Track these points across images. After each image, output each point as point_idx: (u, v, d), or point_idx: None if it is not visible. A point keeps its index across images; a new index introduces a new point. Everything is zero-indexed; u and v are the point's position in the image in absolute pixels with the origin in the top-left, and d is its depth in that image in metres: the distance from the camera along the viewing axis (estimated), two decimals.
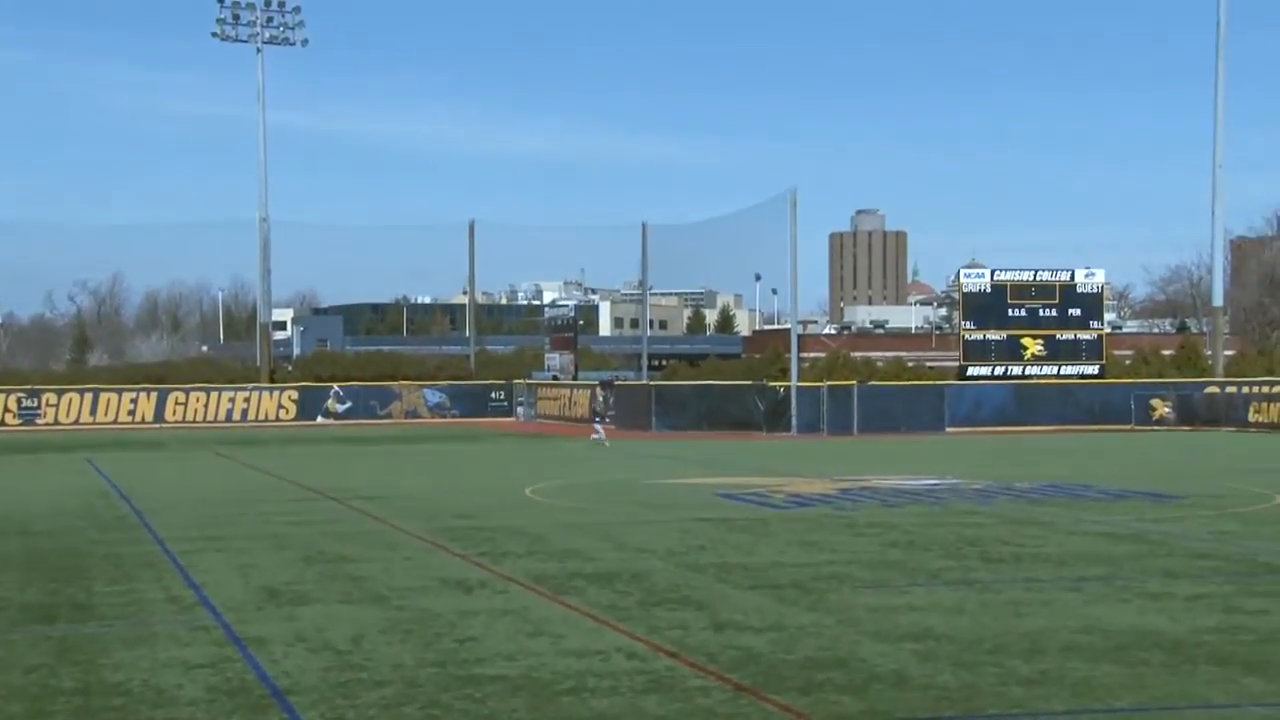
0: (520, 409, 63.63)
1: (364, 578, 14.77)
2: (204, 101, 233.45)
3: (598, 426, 44.33)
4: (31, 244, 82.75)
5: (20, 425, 57.95)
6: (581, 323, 78.31)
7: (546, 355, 66.71)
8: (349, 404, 62.07)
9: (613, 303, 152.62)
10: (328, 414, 61.62)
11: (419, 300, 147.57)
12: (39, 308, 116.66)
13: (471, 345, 74.25)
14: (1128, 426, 52.61)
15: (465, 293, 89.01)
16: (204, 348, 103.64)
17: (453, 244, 72.45)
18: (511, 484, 27.26)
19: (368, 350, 78.88)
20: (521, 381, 65.08)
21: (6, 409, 58.66)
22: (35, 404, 58.99)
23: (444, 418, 62.75)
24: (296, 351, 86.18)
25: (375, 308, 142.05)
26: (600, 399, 45.50)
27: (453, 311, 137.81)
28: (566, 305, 79.58)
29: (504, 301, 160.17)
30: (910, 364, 64.65)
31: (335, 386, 62.76)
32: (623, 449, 41.34)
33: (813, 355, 68.63)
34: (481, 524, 19.99)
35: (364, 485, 27.13)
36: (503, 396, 64.57)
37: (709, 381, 58.21)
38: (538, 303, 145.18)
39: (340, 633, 11.59)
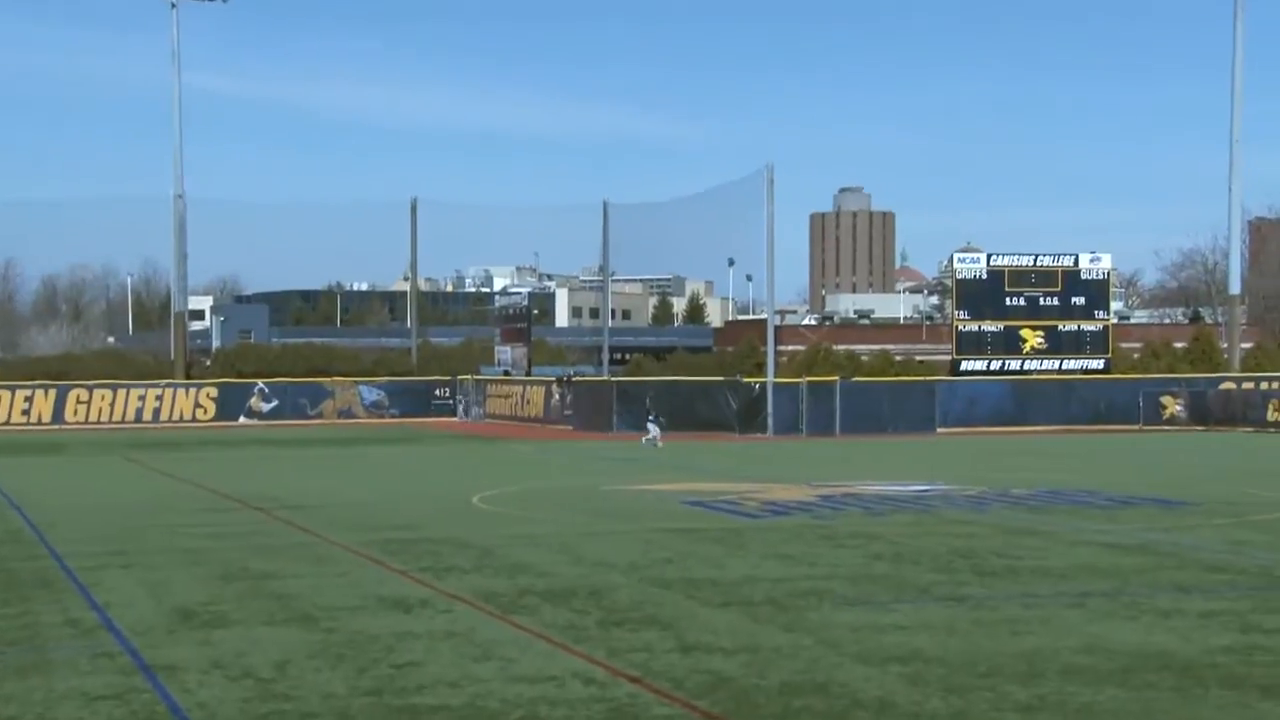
0: (470, 409, 63.44)
1: (290, 596, 14.68)
2: (110, 61, 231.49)
3: (651, 427, 44.28)
4: None
5: None
6: (536, 312, 78.16)
7: (497, 348, 66.58)
8: (275, 403, 61.76)
9: (570, 290, 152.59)
10: (251, 414, 61.34)
11: (354, 287, 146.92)
12: None
13: (413, 337, 73.98)
14: (1136, 426, 53.12)
15: (406, 279, 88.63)
16: (110, 339, 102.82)
17: (393, 225, 72.19)
18: (457, 491, 27.18)
19: (296, 343, 78.37)
20: (469, 377, 64.91)
21: None
22: None
23: (382, 418, 62.53)
24: (216, 344, 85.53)
25: (305, 295, 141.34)
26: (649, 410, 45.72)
27: (392, 300, 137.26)
28: (519, 293, 79.43)
29: (449, 289, 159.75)
30: (898, 358, 65.01)
31: (259, 383, 62.44)
32: (581, 451, 41.30)
33: (791, 348, 68.87)
34: (423, 536, 19.92)
35: (291, 493, 26.99)
36: (448, 394, 64.39)
37: (676, 377, 58.28)
38: (487, 290, 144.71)
39: (263, 658, 11.51)
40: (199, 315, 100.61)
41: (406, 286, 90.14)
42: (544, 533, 20.22)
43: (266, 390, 62.01)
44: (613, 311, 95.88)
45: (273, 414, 61.24)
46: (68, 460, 39.22)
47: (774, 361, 53.75)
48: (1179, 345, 65.61)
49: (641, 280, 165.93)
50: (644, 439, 43.90)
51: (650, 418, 45.19)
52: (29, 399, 59.71)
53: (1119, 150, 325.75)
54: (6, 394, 59.52)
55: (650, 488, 27.98)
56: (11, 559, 17.84)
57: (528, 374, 61.73)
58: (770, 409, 50.96)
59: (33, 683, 10.79)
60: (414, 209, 70.99)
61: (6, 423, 58.59)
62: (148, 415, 60.62)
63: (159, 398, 61.17)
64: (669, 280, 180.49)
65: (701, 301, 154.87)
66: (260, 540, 19.67)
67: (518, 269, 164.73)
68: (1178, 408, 54.04)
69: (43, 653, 11.93)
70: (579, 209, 79.10)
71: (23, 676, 11.03)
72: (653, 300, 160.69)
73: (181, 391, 61.76)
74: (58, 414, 59.39)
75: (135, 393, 61.04)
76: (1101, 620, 12.94)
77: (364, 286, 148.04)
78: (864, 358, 64.25)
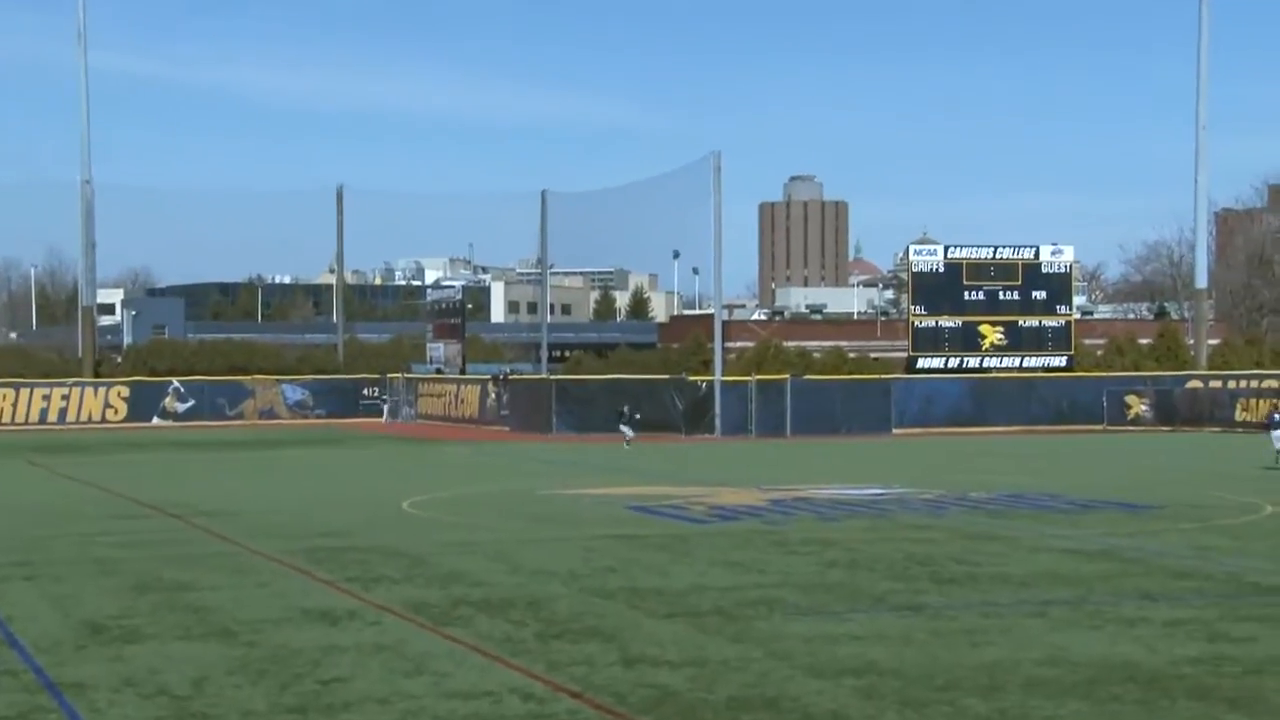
0: (401, 409, 63.12)
1: (209, 609, 14.56)
2: (12, 40, 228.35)
3: (625, 429, 44.24)
4: None
5: None
6: (470, 307, 77.97)
7: (429, 345, 66.34)
8: (191, 402, 61.29)
9: (507, 284, 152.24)
10: (165, 414, 60.84)
11: (277, 280, 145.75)
12: None
13: (340, 333, 73.56)
14: (1100, 427, 53.80)
15: (332, 271, 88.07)
16: (13, 335, 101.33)
17: (318, 214, 71.73)
18: (387, 496, 27.06)
19: (214, 339, 77.68)
20: (399, 376, 64.62)
21: None
22: None
23: (306, 418, 62.16)
24: (127, 340, 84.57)
25: (224, 288, 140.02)
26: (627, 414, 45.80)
27: (317, 293, 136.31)
28: (452, 287, 79.22)
29: (378, 282, 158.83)
30: (852, 355, 65.44)
31: (175, 382, 61.94)
32: (518, 454, 41.24)
33: (740, 345, 69.13)
34: (351, 544, 19.83)
35: (209, 499, 26.78)
36: (376, 393, 64.07)
37: (619, 375, 58.34)
38: (418, 284, 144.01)
39: (179, 675, 11.39)
40: (109, 309, 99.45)
41: (332, 279, 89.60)
42: (479, 540, 20.18)
43: (182, 389, 61.54)
44: (552, 306, 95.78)
45: (189, 414, 60.78)
46: None
47: (721, 359, 53.92)
48: (1144, 342, 66.51)
49: (582, 273, 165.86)
50: (625, 443, 43.80)
51: (624, 419, 45.01)
52: None
53: (1083, 138, 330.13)
54: None
55: (592, 492, 27.99)
56: None
57: (462, 372, 61.55)
58: (718, 409, 51.11)
59: None
60: (340, 197, 70.58)
61: None
62: (53, 416, 59.96)
63: (65, 397, 60.54)
64: (611, 273, 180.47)
65: (645, 295, 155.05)
66: (176, 549, 19.48)
67: (451, 261, 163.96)
68: (1143, 407, 54.78)
69: None
70: (516, 198, 78.93)
71: None
72: (594, 294, 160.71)
73: (90, 391, 61.16)
74: None
75: (40, 392, 60.40)
76: (1064, 630, 13.08)
77: (287, 279, 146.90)
78: (816, 355, 64.61)
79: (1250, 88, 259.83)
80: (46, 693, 10.85)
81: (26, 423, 59.26)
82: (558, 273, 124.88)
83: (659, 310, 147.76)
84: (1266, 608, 14.27)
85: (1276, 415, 36.16)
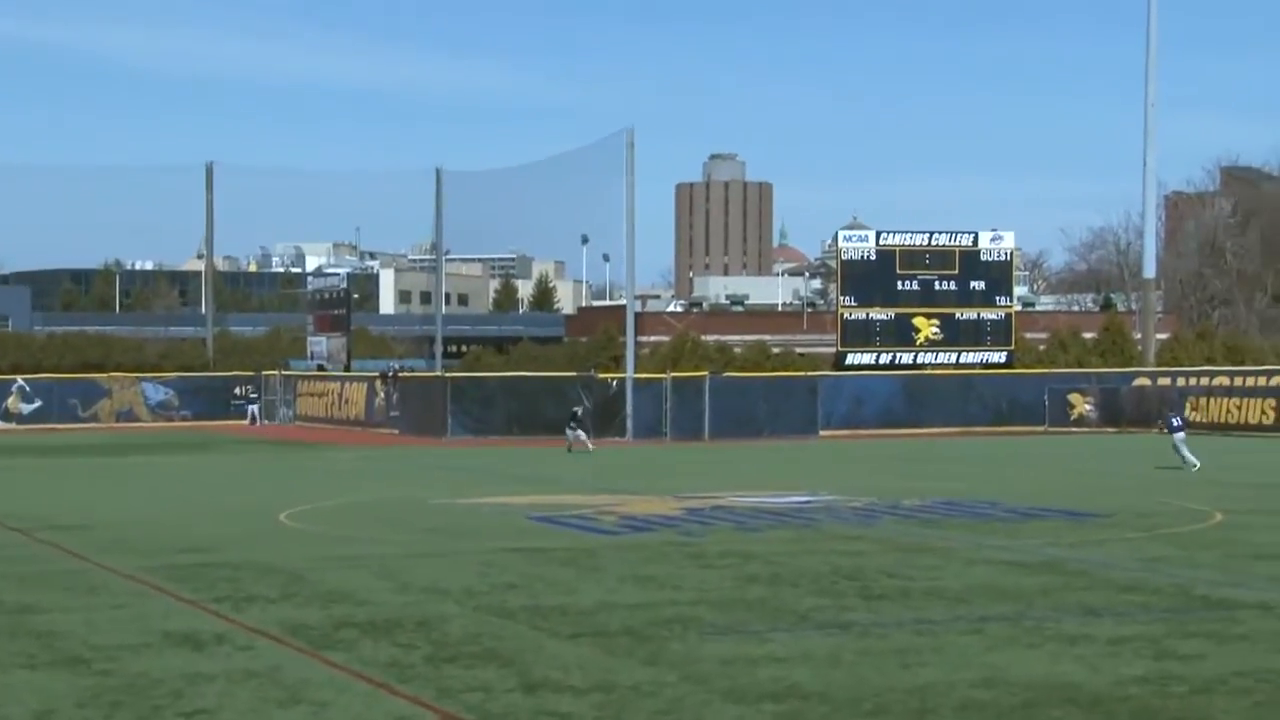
0: (277, 410, 62.55)
1: (56, 634, 14.31)
2: None
3: (577, 433, 44.25)
4: None
5: None
6: (356, 297, 77.52)
7: (310, 339, 65.82)
8: (38, 403, 60.41)
9: (397, 271, 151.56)
10: (9, 416, 59.91)
11: (137, 266, 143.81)
12: None
13: (209, 326, 72.77)
14: (1041, 428, 54.68)
15: (200, 257, 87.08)
16: None
17: (184, 193, 70.95)
18: (260, 507, 26.81)
19: (66, 331, 76.56)
20: (275, 373, 64.03)
21: None
22: None
23: (171, 420, 61.47)
24: None
25: (76, 275, 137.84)
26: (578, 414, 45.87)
27: (183, 282, 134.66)
28: (336, 274, 78.69)
29: (253, 269, 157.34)
30: (776, 350, 65.94)
31: (19, 379, 61.03)
32: (409, 459, 41.05)
33: (654, 339, 69.37)
34: (219, 559, 19.62)
35: (58, 511, 26.37)
36: (250, 392, 63.43)
37: (521, 373, 58.26)
38: (298, 271, 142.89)
39: (20, 709, 11.17)
40: None
41: (201, 266, 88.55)
42: (364, 554, 20.03)
43: (28, 388, 60.65)
44: (447, 296, 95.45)
45: (35, 416, 59.93)
46: None
47: (634, 354, 54.06)
48: (1088, 336, 67.73)
49: (481, 260, 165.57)
50: (571, 445, 43.92)
51: (572, 423, 45.06)
52: None
53: (1024, 117, 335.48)
54: None
55: (490, 500, 27.93)
56: None
57: (346, 369, 61.15)
58: (629, 409, 51.24)
59: None
60: (210, 174, 69.78)
61: None
62: None
63: None
64: (513, 260, 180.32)
65: (551, 284, 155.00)
66: (19, 568, 19.13)
67: (335, 246, 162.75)
68: (1087, 407, 55.74)
69: None
70: (408, 176, 78.79)
71: None
72: (494, 283, 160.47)
73: None
74: None
75: None
76: (1002, 648, 13.25)
77: (149, 265, 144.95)
78: (737, 350, 65.00)
79: (1203, 64, 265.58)
80: None
81: None
82: (454, 259, 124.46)
83: (566, 301, 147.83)
84: (1216, 622, 14.56)
85: (1174, 419, 37.15)
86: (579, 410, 46.68)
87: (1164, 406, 43.60)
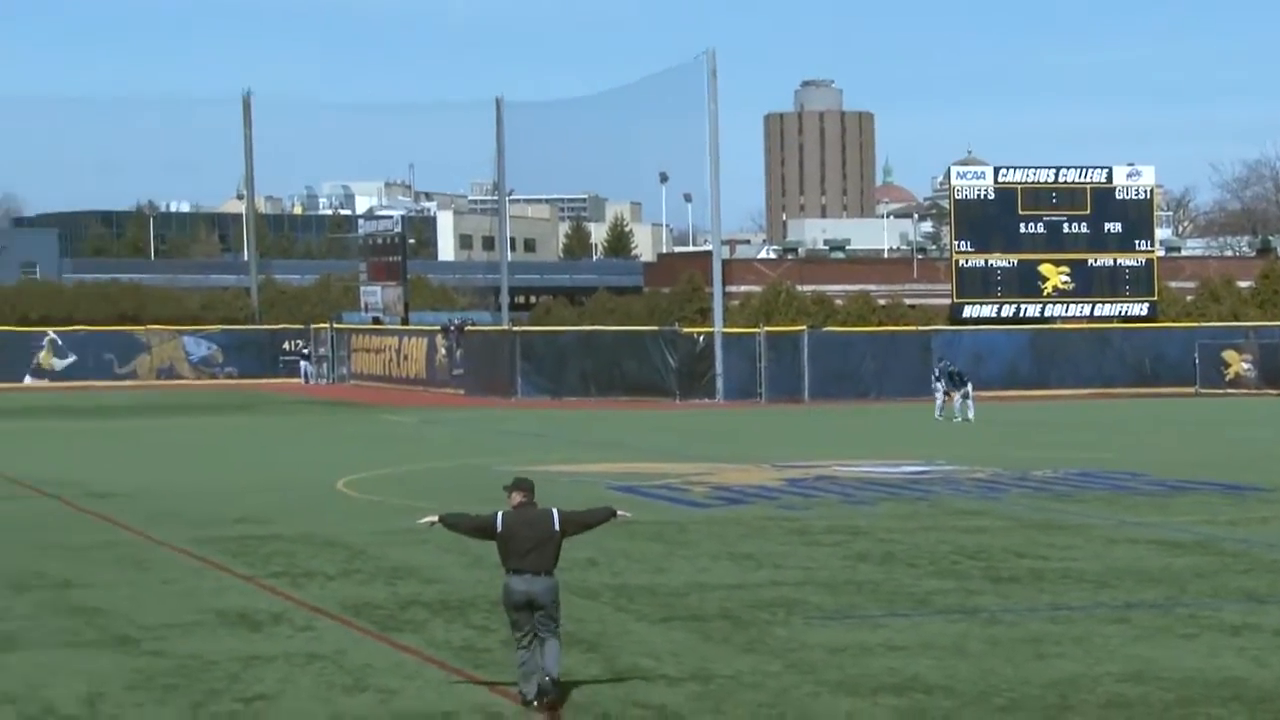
0: (330, 367, 63.07)
1: (100, 611, 14.59)
2: None
3: (942, 393, 41.55)
4: None
5: None
6: (413, 242, 77.75)
7: (363, 289, 66.22)
8: (72, 358, 61.16)
9: (456, 214, 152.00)
10: (40, 372, 60.71)
11: (172, 208, 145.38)
12: None
13: (253, 274, 73.39)
14: (1190, 389, 53.99)
15: (240, 198, 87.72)
16: None
17: (223, 128, 71.56)
18: (316, 474, 27.11)
19: (98, 280, 77.49)
20: (326, 326, 64.53)
21: None
22: None
23: (215, 378, 62.07)
24: None
25: (107, 218, 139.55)
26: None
27: (223, 225, 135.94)
28: (389, 217, 78.83)
29: (298, 211, 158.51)
30: (882, 302, 65.54)
31: (50, 332, 61.78)
32: (475, 422, 41.32)
33: (744, 289, 69.16)
34: (273, 531, 19.89)
35: (97, 477, 26.74)
36: (301, 347, 63.96)
37: (596, 327, 58.32)
38: (347, 213, 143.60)
39: (67, 690, 11.44)
40: None
41: (241, 208, 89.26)
42: (430, 528, 20.18)
43: (60, 342, 61.39)
44: (512, 242, 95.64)
45: (69, 372, 60.65)
46: None
47: (722, 306, 53.93)
48: (1244, 284, 66.66)
49: (549, 201, 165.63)
50: (944, 409, 41.39)
51: (941, 379, 41.91)
52: None
53: (1163, 34, 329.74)
54: None
55: (567, 469, 28.03)
56: None
57: (404, 322, 61.46)
58: (719, 368, 51.15)
59: None
60: (248, 107, 70.15)
61: None
62: None
63: None
64: (584, 201, 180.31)
65: (627, 228, 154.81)
66: (58, 538, 19.51)
67: (387, 186, 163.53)
68: (1244, 365, 54.97)
69: None
70: (465, 108, 78.96)
71: None
72: (564, 227, 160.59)
73: None
74: None
75: None
76: (1151, 639, 13.16)
77: (185, 207, 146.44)
78: (838, 301, 64.69)
79: None
80: None
81: None
82: (518, 200, 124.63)
83: (644, 247, 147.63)
84: None
85: (948, 365, 37.25)
86: (947, 364, 42.53)
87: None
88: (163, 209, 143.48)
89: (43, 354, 61.19)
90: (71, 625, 13.98)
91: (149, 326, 63.38)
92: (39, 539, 19.44)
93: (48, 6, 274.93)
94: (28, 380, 60.33)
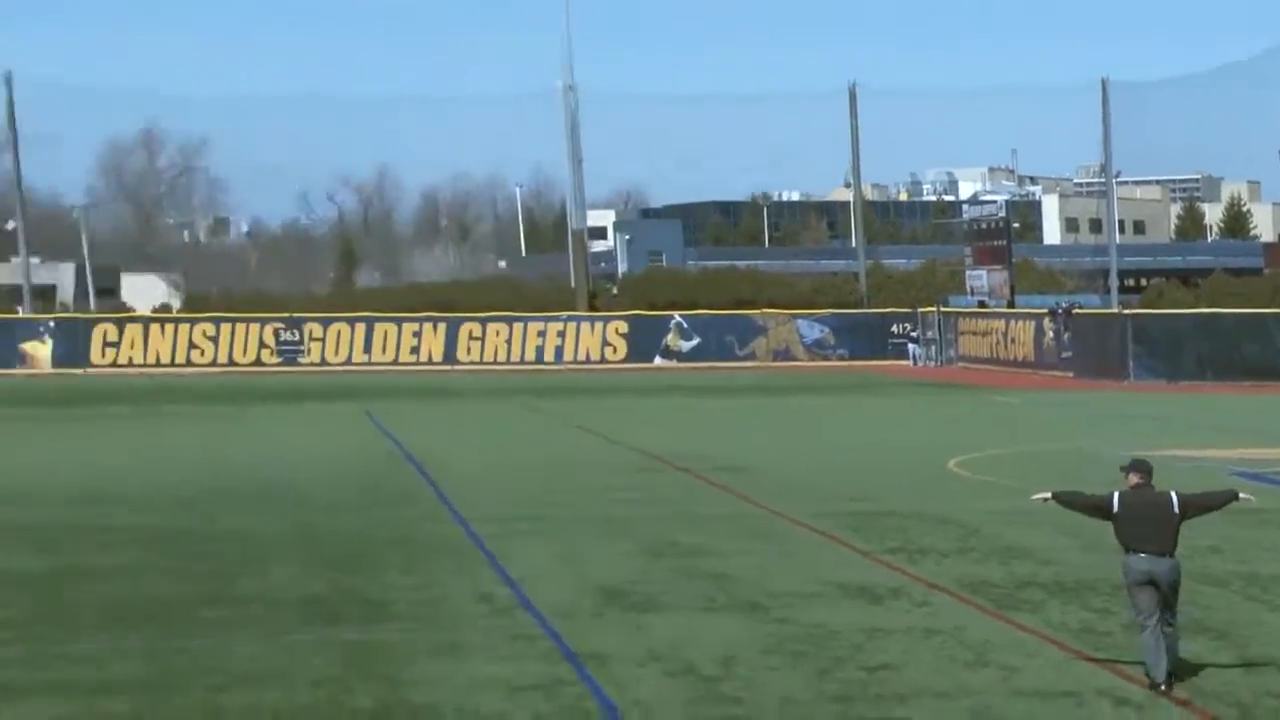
0: (938, 349, 63.11)
1: (731, 578, 15.17)
2: None
3: None
4: (279, 128, 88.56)
5: (280, 365, 62.44)
6: (1017, 226, 76.88)
7: (968, 273, 65.81)
8: (697, 340, 63.19)
9: (1062, 197, 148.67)
10: (669, 354, 63.04)
11: (784, 197, 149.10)
12: (292, 212, 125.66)
13: (860, 259, 74.21)
14: None
15: (848, 186, 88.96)
16: (501, 263, 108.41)
17: (828, 120, 72.35)
18: (927, 454, 27.17)
19: (717, 266, 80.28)
20: (933, 310, 64.53)
21: (263, 343, 63.39)
22: (297, 337, 63.42)
23: (826, 359, 63.02)
24: (622, 269, 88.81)
25: (724, 208, 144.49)
26: None
27: (831, 212, 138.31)
28: (993, 202, 77.97)
29: (903, 198, 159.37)
30: None
31: (676, 316, 64.05)
32: (1084, 405, 40.39)
33: None
34: (888, 508, 20.13)
35: (722, 452, 27.72)
36: (909, 330, 64.22)
37: (1212, 310, 55.77)
38: (951, 199, 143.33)
39: (703, 652, 11.95)
40: (600, 234, 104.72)
41: (848, 196, 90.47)
42: (1043, 509, 19.77)
43: (685, 325, 63.62)
44: (1121, 224, 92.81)
45: (694, 354, 62.74)
46: (466, 407, 41.92)
47: None
48: None
49: (1159, 182, 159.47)
50: None
51: None
52: (417, 334, 63.60)
53: None
54: (393, 328, 63.66)
55: (1184, 453, 26.94)
56: (412, 523, 19.33)
57: (1010, 305, 60.69)
58: None
59: (447, 666, 11.71)
60: (853, 98, 70.84)
61: (395, 362, 62.51)
62: (549, 355, 63.30)
63: (561, 334, 63.76)
64: (1197, 181, 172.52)
65: (1244, 207, 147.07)
66: (689, 508, 20.41)
67: (990, 171, 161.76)
68: None
69: (454, 631, 12.91)
70: (1069, 91, 77.08)
71: (435, 658, 11.99)
72: (1175, 208, 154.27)
73: (586, 326, 64.10)
74: (449, 353, 63.08)
75: (534, 327, 63.78)
76: None
77: (795, 196, 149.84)
78: None
79: None
80: (567, 663, 11.69)
81: (521, 361, 63.04)
82: (1126, 182, 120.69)
83: (1263, 227, 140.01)
84: None
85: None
86: None
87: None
88: (775, 198, 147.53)
89: (669, 336, 63.67)
90: (706, 590, 14.60)
91: (765, 310, 65.03)
92: (672, 509, 20.39)
93: (664, 10, 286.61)
94: (657, 361, 62.86)
